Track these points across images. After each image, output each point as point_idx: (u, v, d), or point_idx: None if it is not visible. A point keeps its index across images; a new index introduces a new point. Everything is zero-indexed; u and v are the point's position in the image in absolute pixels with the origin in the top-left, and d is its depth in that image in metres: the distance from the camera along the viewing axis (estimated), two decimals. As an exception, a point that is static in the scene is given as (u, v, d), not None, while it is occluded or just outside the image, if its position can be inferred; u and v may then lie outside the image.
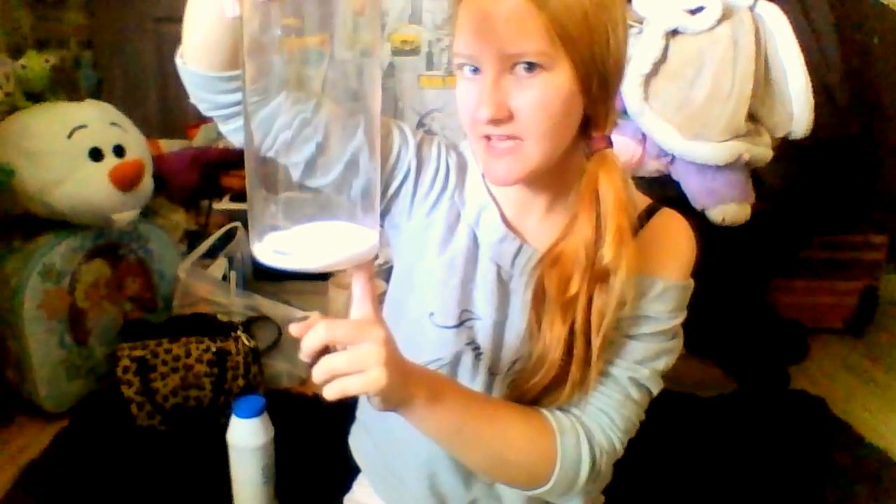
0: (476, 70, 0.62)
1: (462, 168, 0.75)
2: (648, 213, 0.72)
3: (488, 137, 0.63)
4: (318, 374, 0.55)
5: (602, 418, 0.68)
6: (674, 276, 0.70)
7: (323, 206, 0.56)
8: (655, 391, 0.70)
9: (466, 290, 0.74)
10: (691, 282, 0.71)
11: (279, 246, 0.50)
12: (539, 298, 0.68)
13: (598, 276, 0.64)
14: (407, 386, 0.59)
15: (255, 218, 0.52)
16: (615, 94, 0.65)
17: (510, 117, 0.60)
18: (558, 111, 0.61)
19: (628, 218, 0.63)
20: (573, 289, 0.64)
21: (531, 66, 0.59)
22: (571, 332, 0.65)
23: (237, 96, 0.61)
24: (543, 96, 0.59)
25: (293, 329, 0.56)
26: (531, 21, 0.57)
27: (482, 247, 0.73)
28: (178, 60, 0.62)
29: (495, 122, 0.60)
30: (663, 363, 0.70)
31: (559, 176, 0.69)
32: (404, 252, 0.78)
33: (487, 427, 0.65)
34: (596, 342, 0.65)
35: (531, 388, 0.69)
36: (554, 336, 0.65)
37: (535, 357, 0.68)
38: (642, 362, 0.69)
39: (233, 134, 0.67)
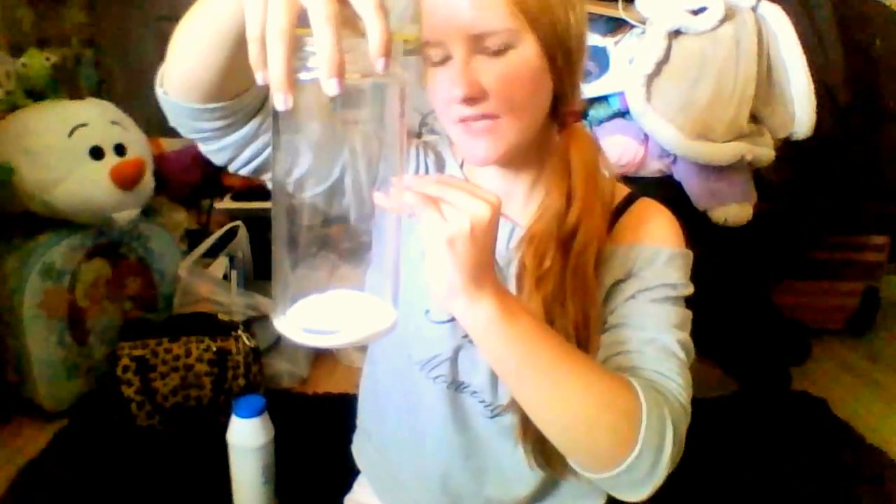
0: (443, 58, 0.63)
1: (440, 166, 0.77)
2: (628, 201, 0.74)
3: (463, 121, 0.64)
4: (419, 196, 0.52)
5: (657, 376, 0.63)
6: (676, 245, 0.71)
7: (348, 271, 0.54)
8: (689, 359, 0.67)
9: None
10: (690, 252, 0.72)
11: (306, 322, 0.49)
12: (521, 276, 0.69)
13: (566, 239, 0.66)
14: (486, 275, 0.54)
15: (278, 285, 0.51)
16: (580, 71, 0.68)
17: (484, 95, 0.62)
18: (529, 85, 0.63)
19: (597, 186, 0.67)
20: (547, 262, 0.66)
21: (498, 44, 0.61)
22: (550, 303, 0.66)
23: (218, 123, 0.62)
24: (514, 71, 0.62)
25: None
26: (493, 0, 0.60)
27: None
28: (159, 90, 0.61)
29: (470, 100, 0.62)
30: (687, 335, 0.68)
31: (536, 157, 0.71)
32: None
33: (565, 360, 0.57)
34: (570, 308, 0.66)
35: None
36: (531, 308, 0.66)
37: None
38: (677, 327, 0.66)
39: (213, 154, 0.68)
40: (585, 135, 0.69)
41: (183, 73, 0.57)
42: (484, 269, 0.54)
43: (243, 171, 0.68)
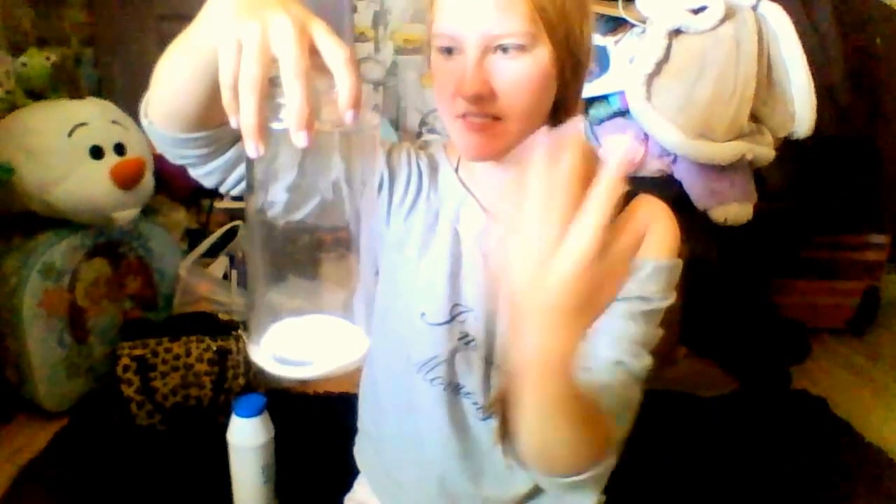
0: (454, 50, 0.63)
1: (434, 168, 0.77)
2: (626, 199, 0.73)
3: (464, 117, 0.64)
4: None
5: (612, 419, 0.61)
6: (662, 255, 0.69)
7: (323, 297, 0.53)
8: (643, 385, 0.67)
9: (455, 284, 0.75)
10: (679, 261, 0.71)
11: (279, 351, 0.49)
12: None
13: None
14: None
15: (253, 312, 0.51)
16: (584, 82, 0.69)
17: (492, 95, 0.62)
18: (536, 90, 0.64)
19: None
20: None
21: (514, 47, 0.61)
22: None
23: (202, 150, 0.62)
24: (525, 76, 0.62)
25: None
26: (516, 3, 0.60)
27: (465, 240, 0.75)
28: (144, 120, 0.61)
29: (478, 99, 0.62)
30: (650, 355, 0.67)
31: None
32: (387, 258, 0.80)
33: (585, 412, 0.54)
34: None
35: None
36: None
37: (507, 334, 0.68)
38: (644, 347, 0.66)
39: (202, 178, 0.67)
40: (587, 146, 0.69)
41: (166, 104, 0.57)
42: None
43: (234, 192, 0.68)
